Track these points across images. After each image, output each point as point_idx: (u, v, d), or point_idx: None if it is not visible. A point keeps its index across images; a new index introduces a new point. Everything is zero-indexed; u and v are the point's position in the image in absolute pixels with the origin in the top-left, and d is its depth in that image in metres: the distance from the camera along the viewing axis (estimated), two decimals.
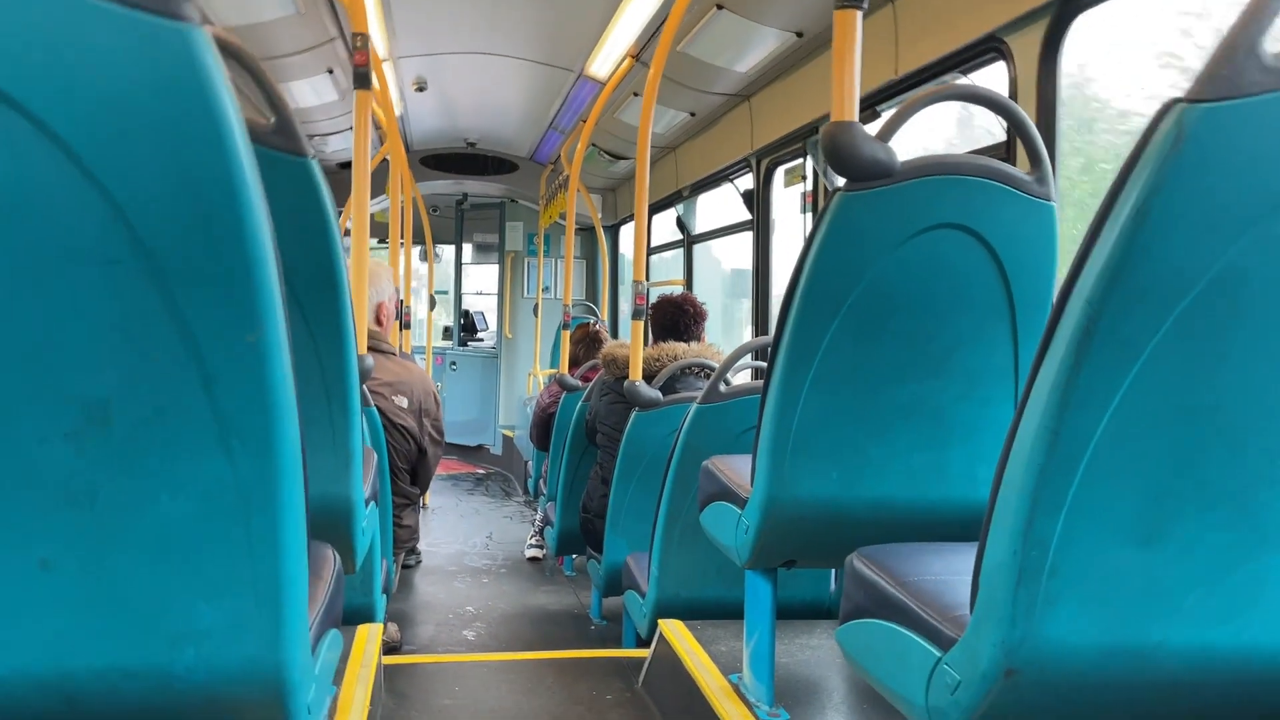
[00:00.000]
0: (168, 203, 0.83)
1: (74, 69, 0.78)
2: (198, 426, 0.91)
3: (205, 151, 0.83)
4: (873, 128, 1.68)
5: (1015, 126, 1.77)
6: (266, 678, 1.00)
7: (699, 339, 3.74)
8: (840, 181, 1.68)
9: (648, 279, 3.62)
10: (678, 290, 5.84)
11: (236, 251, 0.86)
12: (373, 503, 2.13)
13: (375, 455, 2.39)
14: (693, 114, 5.45)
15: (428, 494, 6.82)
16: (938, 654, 1.24)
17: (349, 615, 2.51)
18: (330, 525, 1.80)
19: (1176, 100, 0.98)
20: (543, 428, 5.33)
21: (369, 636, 2.51)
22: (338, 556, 1.38)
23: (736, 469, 2.11)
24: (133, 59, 0.79)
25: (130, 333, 0.86)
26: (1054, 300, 1.09)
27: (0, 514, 0.89)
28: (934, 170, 1.66)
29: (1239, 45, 0.96)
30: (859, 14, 1.77)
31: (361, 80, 2.63)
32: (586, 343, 5.36)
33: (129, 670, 0.96)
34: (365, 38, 2.59)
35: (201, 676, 0.97)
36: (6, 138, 0.79)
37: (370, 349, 2.93)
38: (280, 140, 1.48)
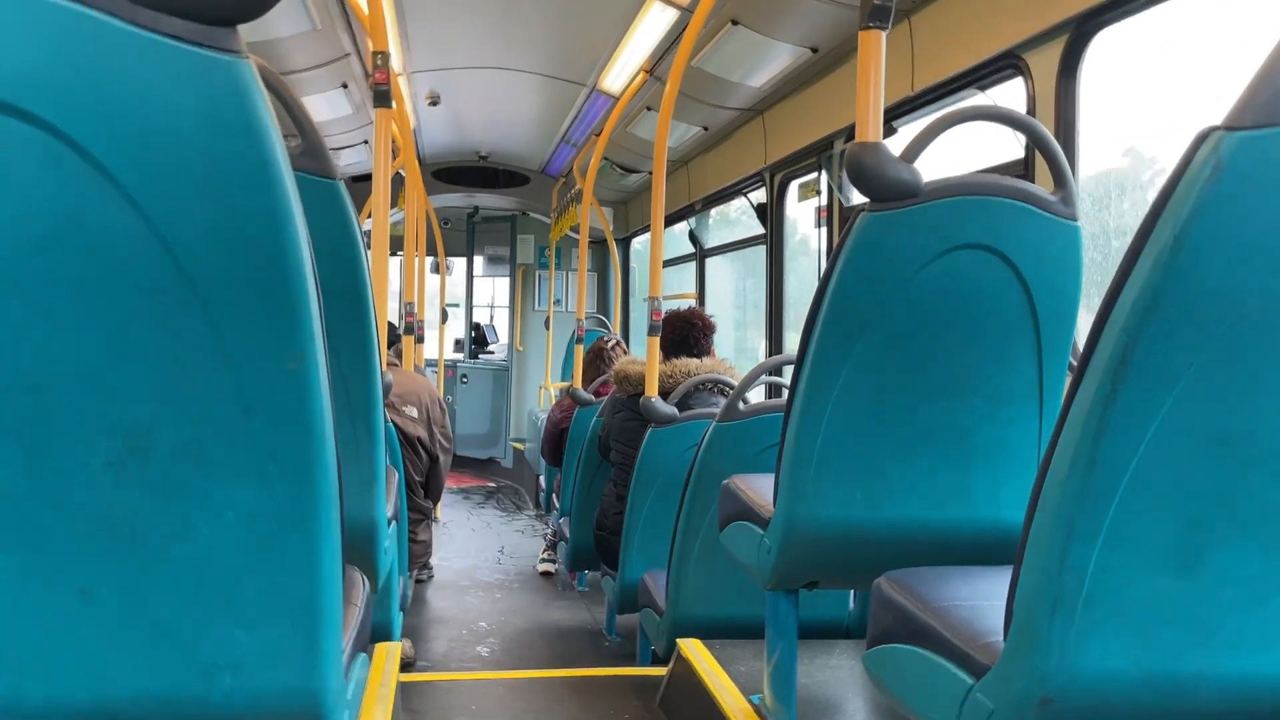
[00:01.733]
0: (212, 233, 0.84)
1: (121, 101, 0.79)
2: (237, 454, 0.91)
3: (250, 183, 0.83)
4: (890, 143, 1.68)
5: (1040, 147, 1.77)
6: (303, 705, 0.99)
7: (709, 352, 3.75)
8: (856, 196, 1.68)
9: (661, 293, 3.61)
10: (691, 304, 5.84)
11: (279, 281, 0.86)
12: (394, 521, 2.13)
13: (396, 474, 2.39)
14: (706, 128, 5.46)
15: (439, 507, 6.82)
16: (970, 681, 1.23)
17: None
18: (354, 546, 1.80)
19: (1214, 128, 0.98)
20: (554, 443, 5.32)
21: (388, 655, 2.50)
22: (366, 580, 1.38)
23: (758, 488, 2.10)
24: (180, 92, 0.79)
25: (173, 361, 0.87)
26: (1090, 325, 1.09)
27: (41, 543, 0.90)
28: (959, 191, 1.66)
29: (1276, 73, 0.96)
30: (883, 35, 1.78)
31: (382, 99, 2.63)
32: (594, 358, 5.35)
33: (166, 698, 0.96)
34: (386, 56, 2.60)
35: (238, 704, 0.97)
36: (55, 169, 0.79)
37: None
38: (309, 163, 1.49)
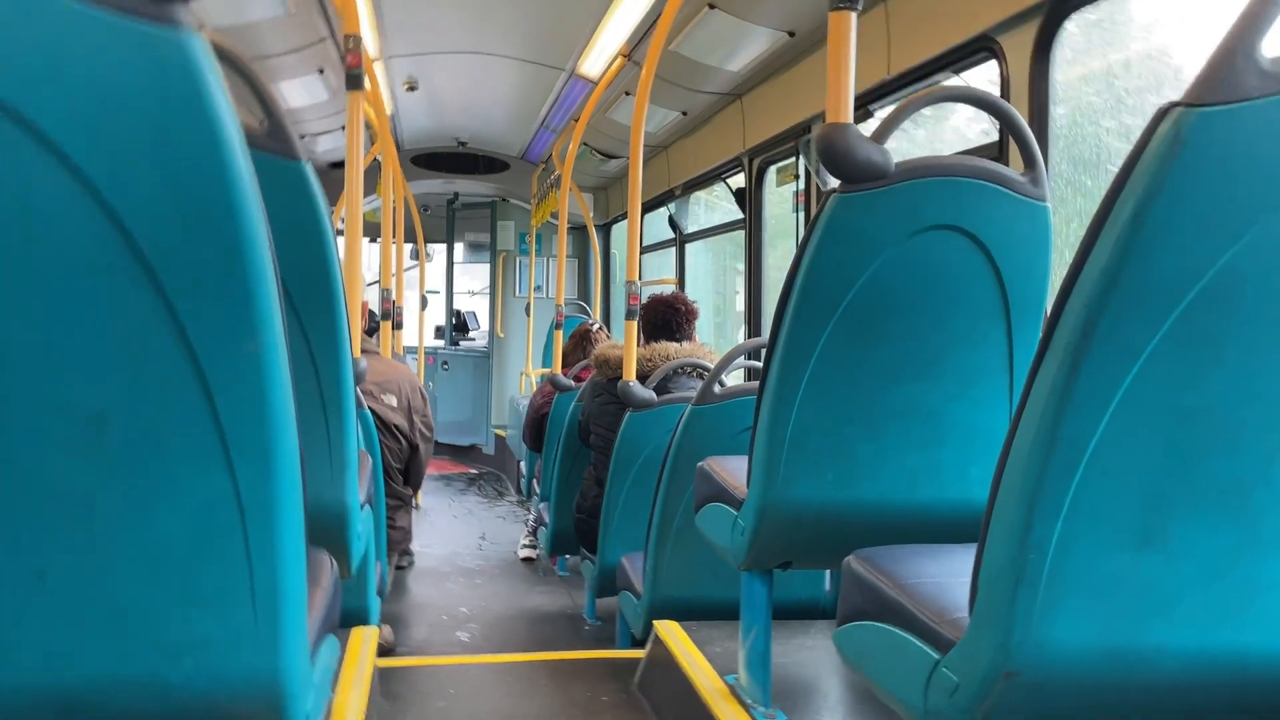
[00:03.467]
0: (165, 211, 0.83)
1: (70, 77, 0.78)
2: (196, 437, 0.90)
3: (202, 159, 0.82)
4: (865, 127, 1.68)
5: (1010, 128, 1.77)
6: (266, 687, 0.99)
7: (690, 338, 3.74)
8: (834, 182, 1.68)
9: (640, 278, 3.61)
10: (670, 289, 5.84)
11: (234, 260, 0.86)
12: (367, 507, 2.13)
13: (370, 459, 2.38)
14: (684, 113, 5.44)
15: (420, 494, 6.81)
16: (936, 656, 1.24)
17: (343, 618, 2.51)
18: (325, 531, 1.80)
19: (1174, 104, 0.98)
20: (536, 428, 5.32)
21: (364, 639, 2.50)
22: (334, 562, 1.38)
23: (732, 470, 2.11)
24: (129, 67, 0.78)
25: (128, 343, 0.86)
26: (1051, 303, 1.09)
27: None
28: (929, 172, 1.67)
29: (1236, 50, 0.96)
30: (854, 15, 1.77)
31: (354, 82, 2.62)
32: (579, 341, 5.34)
33: (127, 681, 0.95)
34: (358, 39, 2.58)
35: (200, 687, 0.97)
36: (2, 147, 0.78)
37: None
38: (273, 143, 1.47)
